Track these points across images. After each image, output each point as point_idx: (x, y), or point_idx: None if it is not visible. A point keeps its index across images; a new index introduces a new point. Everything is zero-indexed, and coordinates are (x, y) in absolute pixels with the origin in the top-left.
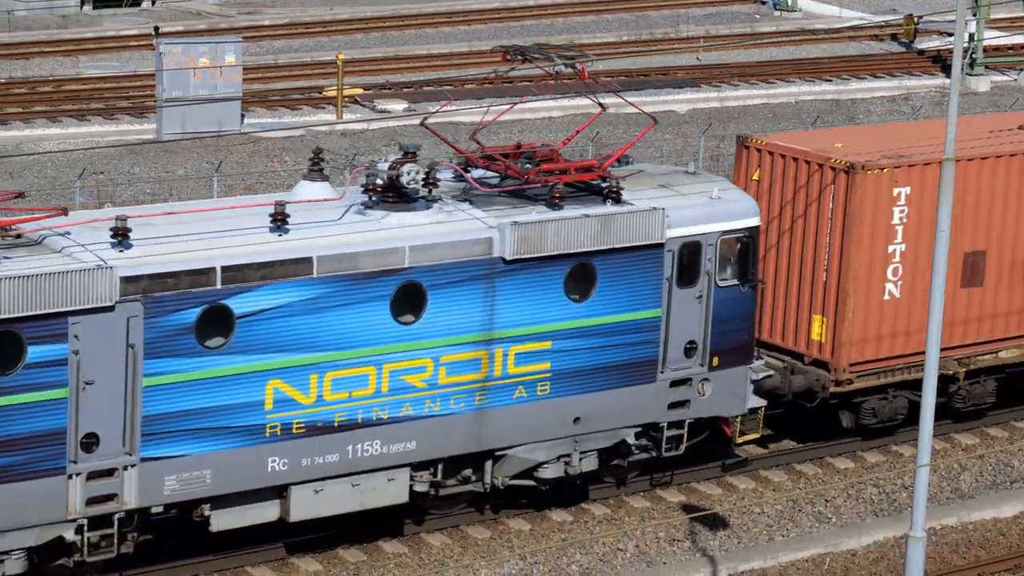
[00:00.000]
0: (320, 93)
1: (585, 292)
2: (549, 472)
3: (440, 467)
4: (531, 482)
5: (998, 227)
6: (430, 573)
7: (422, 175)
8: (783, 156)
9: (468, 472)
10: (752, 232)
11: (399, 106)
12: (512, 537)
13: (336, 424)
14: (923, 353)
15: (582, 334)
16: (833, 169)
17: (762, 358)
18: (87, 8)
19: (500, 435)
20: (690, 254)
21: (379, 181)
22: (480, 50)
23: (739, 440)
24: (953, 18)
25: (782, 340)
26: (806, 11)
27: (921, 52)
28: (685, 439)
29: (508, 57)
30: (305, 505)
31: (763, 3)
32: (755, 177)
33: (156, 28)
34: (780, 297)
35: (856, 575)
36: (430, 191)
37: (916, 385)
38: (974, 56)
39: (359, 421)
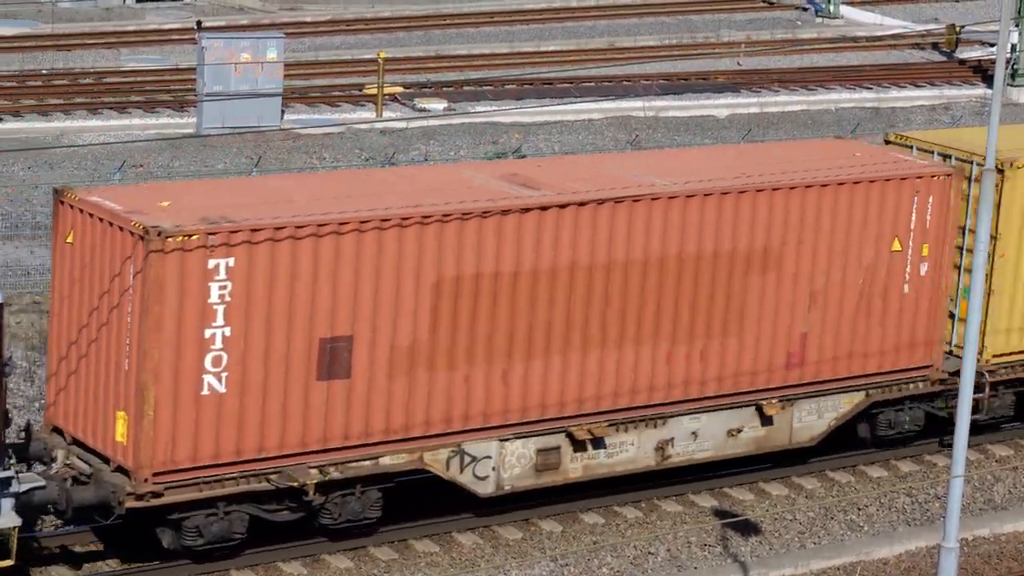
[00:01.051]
0: (360, 90)
1: None
2: None
3: None
4: None
5: (368, 307)
6: (461, 573)
7: None
8: (91, 215)
9: None
10: None
11: (439, 105)
12: (543, 538)
13: None
14: (266, 459)
15: None
16: (132, 234)
17: (10, 467)
18: (130, 1)
19: None
20: None
21: None
22: (522, 51)
23: None
24: (996, 28)
25: (92, 440)
26: (848, 19)
27: (962, 62)
28: None
29: None
30: None
31: (805, 10)
32: (69, 239)
33: (198, 22)
34: (89, 388)
35: None
36: None
37: (260, 497)
38: (1016, 67)
39: None
